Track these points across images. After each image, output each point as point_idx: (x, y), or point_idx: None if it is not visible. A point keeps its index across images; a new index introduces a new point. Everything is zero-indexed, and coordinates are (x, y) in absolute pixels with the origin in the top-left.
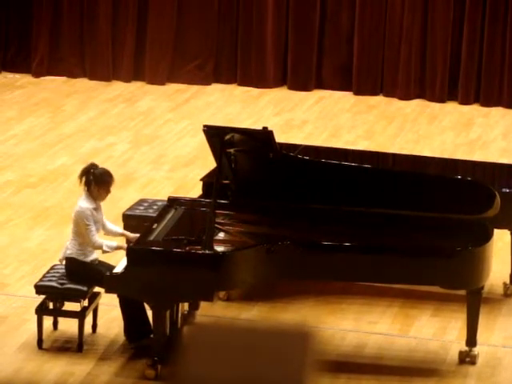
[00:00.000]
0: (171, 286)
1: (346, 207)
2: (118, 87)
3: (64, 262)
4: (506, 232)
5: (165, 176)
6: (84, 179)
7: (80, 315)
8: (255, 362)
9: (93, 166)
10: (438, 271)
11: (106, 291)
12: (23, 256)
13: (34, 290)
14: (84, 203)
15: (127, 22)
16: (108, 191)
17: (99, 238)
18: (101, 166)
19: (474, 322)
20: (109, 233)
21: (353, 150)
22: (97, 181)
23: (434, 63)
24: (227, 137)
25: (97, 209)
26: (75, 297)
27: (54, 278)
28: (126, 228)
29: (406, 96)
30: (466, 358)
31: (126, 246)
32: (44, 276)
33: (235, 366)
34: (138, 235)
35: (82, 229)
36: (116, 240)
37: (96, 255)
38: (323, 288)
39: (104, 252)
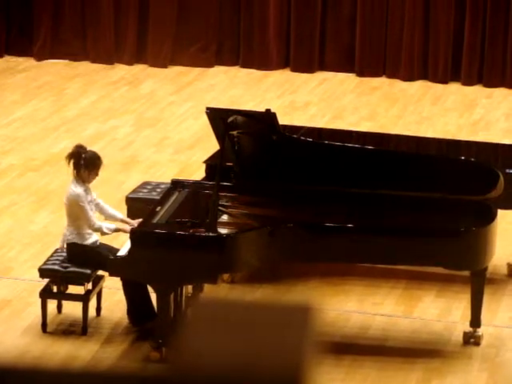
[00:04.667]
0: (175, 268)
1: (349, 189)
2: (120, 70)
3: (65, 248)
4: (510, 213)
5: (168, 159)
6: (73, 162)
7: (84, 298)
8: (256, 337)
9: (82, 150)
10: (441, 252)
11: (110, 274)
12: (27, 239)
13: (37, 274)
14: (76, 187)
15: (129, 4)
16: (97, 174)
17: (97, 219)
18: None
19: (478, 303)
20: (109, 218)
21: (356, 132)
22: (87, 165)
23: (437, 44)
24: (230, 119)
25: (86, 190)
26: (79, 280)
27: (57, 262)
28: (129, 211)
29: (408, 77)
30: (470, 339)
31: (126, 227)
32: (48, 259)
33: (236, 342)
34: (139, 220)
35: (78, 212)
36: (116, 224)
37: (96, 237)
38: (327, 270)
39: (103, 234)
